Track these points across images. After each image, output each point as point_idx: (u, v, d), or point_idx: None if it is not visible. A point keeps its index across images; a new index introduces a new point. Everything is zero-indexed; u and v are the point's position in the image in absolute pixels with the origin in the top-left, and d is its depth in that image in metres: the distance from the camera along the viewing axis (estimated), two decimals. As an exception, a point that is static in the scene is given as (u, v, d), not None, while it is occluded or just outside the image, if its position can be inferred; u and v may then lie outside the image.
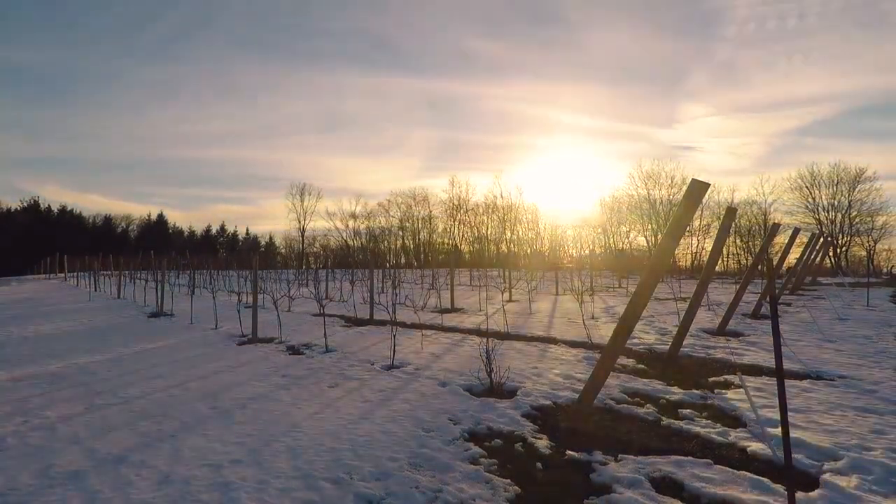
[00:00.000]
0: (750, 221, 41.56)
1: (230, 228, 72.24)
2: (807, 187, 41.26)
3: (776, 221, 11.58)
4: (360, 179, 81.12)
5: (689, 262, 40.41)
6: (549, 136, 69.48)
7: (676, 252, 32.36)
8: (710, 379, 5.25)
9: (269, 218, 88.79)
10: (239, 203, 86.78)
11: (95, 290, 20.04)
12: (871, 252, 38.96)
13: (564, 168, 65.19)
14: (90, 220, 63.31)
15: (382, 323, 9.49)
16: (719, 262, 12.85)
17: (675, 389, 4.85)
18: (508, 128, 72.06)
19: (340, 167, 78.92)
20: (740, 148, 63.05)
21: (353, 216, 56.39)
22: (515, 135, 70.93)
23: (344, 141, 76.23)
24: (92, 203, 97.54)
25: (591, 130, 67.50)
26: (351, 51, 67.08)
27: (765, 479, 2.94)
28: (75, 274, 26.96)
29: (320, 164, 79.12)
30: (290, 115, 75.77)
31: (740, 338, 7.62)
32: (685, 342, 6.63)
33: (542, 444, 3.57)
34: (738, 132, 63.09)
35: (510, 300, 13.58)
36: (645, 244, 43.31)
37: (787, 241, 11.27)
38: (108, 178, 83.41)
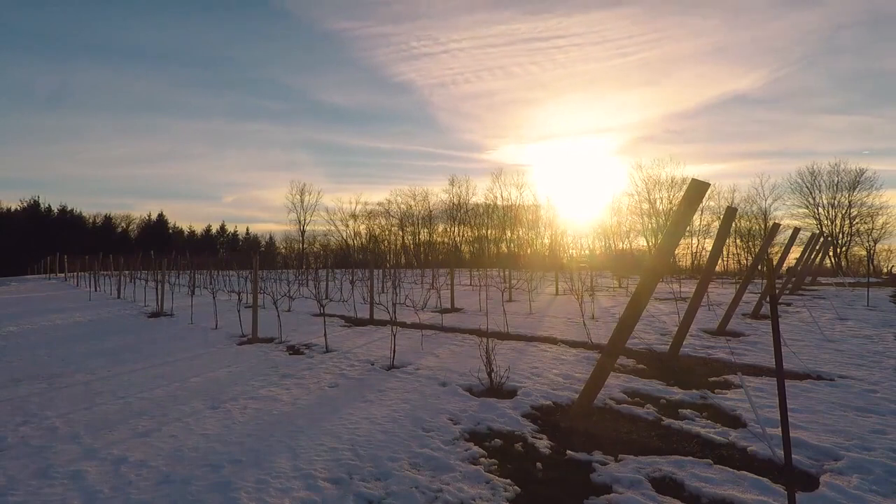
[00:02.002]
0: (750, 221, 41.60)
1: (230, 228, 72.37)
2: (807, 187, 41.35)
3: (776, 221, 11.59)
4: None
5: (689, 262, 40.44)
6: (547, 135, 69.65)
7: (676, 252, 32.40)
8: (710, 379, 5.25)
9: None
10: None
11: (95, 290, 20.04)
12: (871, 252, 39.00)
13: (572, 168, 65.24)
14: (90, 220, 63.33)
15: (382, 323, 9.49)
16: (719, 262, 12.83)
17: (675, 389, 4.85)
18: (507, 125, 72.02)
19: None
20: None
21: (354, 216, 56.42)
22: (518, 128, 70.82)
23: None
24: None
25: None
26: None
27: (765, 479, 2.94)
28: (75, 274, 26.95)
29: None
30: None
31: (740, 338, 7.62)
32: (685, 342, 6.63)
33: (542, 444, 3.57)
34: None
35: (510, 300, 13.58)
36: (645, 244, 43.32)
37: (787, 241, 11.28)
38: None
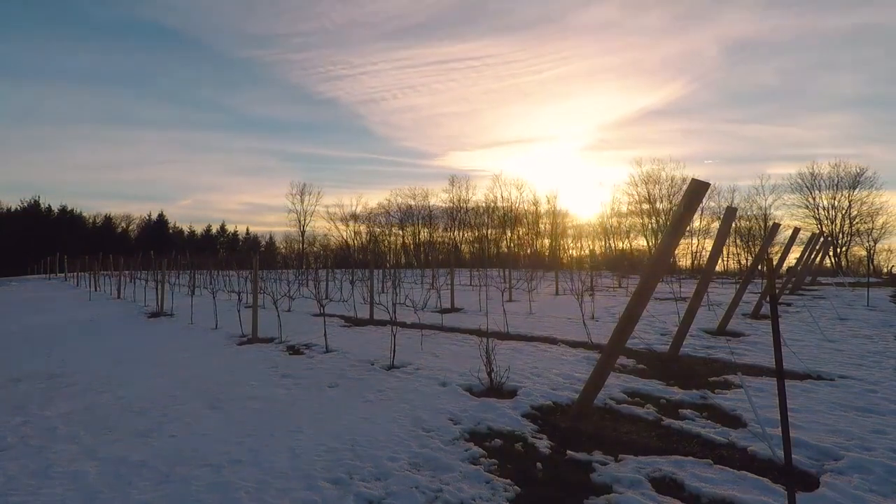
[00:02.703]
0: (750, 221, 41.61)
1: (230, 228, 72.34)
2: (807, 187, 41.36)
3: (776, 221, 11.57)
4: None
5: (689, 262, 40.43)
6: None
7: (676, 252, 32.36)
8: (710, 379, 5.25)
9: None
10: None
11: (95, 290, 20.04)
12: (871, 252, 39.01)
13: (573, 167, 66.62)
14: (90, 220, 63.31)
15: (382, 323, 9.49)
16: (719, 262, 12.83)
17: (675, 389, 4.85)
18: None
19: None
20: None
21: (354, 216, 56.41)
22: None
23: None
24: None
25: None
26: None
27: (765, 479, 2.94)
28: (75, 274, 26.95)
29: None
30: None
31: (740, 338, 7.62)
32: (685, 342, 6.63)
33: (543, 444, 3.57)
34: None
35: (510, 300, 13.57)
36: (645, 244, 43.32)
37: (787, 240, 11.27)
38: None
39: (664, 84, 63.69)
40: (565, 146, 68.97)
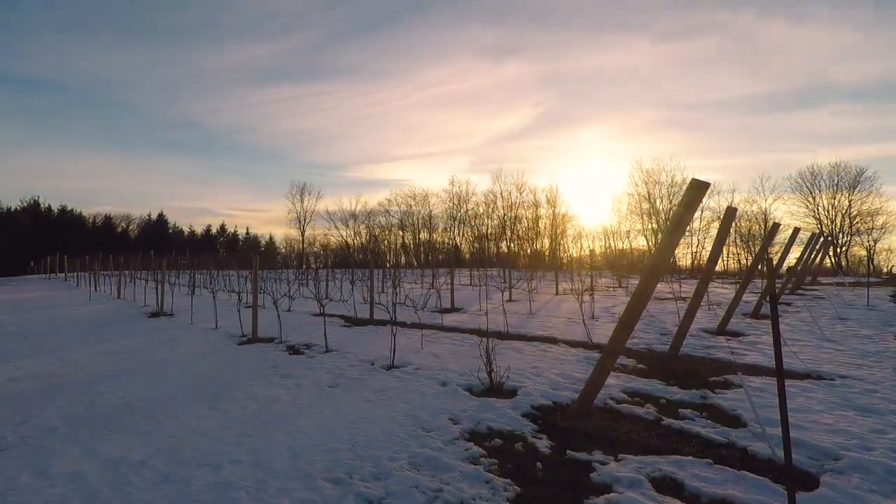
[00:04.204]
0: (750, 221, 41.61)
1: (230, 228, 72.34)
2: (807, 187, 41.35)
3: (776, 221, 11.57)
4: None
5: (689, 262, 40.42)
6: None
7: (676, 252, 32.36)
8: (710, 379, 5.25)
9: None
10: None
11: (95, 289, 20.03)
12: (871, 252, 39.01)
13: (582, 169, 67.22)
14: (90, 220, 63.28)
15: (382, 323, 9.49)
16: (719, 262, 12.82)
17: (675, 389, 4.84)
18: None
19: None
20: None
21: (354, 216, 56.40)
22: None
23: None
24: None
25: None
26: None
27: (765, 479, 2.94)
28: (75, 274, 26.95)
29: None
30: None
31: (740, 337, 7.62)
32: (685, 342, 6.63)
33: (543, 443, 3.57)
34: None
35: (510, 300, 13.57)
36: (645, 244, 43.31)
37: (787, 241, 11.27)
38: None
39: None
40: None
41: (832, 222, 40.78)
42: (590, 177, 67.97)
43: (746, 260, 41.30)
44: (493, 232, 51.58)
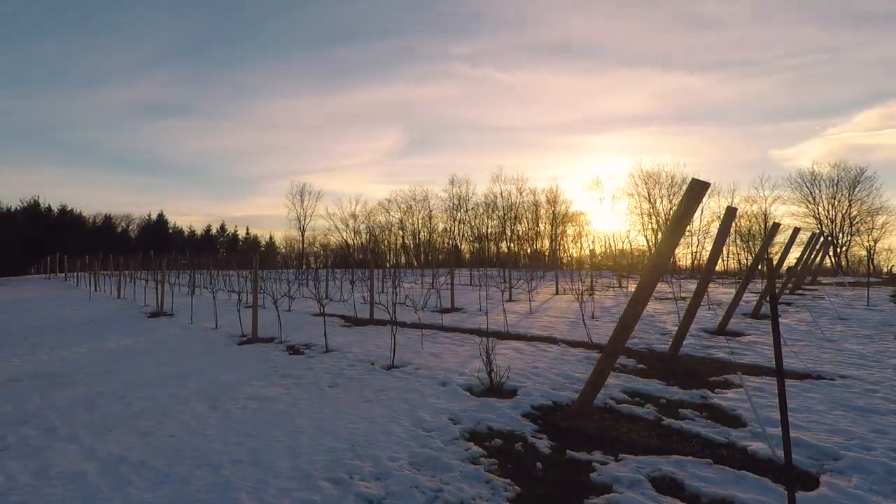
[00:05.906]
0: (750, 221, 41.61)
1: (230, 228, 72.32)
2: (807, 187, 41.36)
3: (776, 221, 11.58)
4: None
5: (689, 262, 40.41)
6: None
7: (676, 252, 32.33)
8: (710, 379, 5.25)
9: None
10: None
11: (95, 289, 20.03)
12: (871, 252, 39.00)
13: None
14: (90, 220, 63.28)
15: (382, 322, 9.49)
16: (719, 262, 12.84)
17: (675, 389, 4.84)
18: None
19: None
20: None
21: (354, 216, 56.38)
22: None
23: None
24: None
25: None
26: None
27: (765, 479, 2.94)
28: (75, 274, 26.95)
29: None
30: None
31: (740, 337, 7.62)
32: (685, 342, 6.62)
33: (542, 443, 3.57)
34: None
35: (510, 300, 13.57)
36: (645, 244, 43.30)
37: (787, 241, 11.27)
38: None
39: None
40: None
41: (832, 222, 40.80)
42: (589, 177, 68.30)
43: (746, 260, 41.28)
44: (493, 232, 51.58)
